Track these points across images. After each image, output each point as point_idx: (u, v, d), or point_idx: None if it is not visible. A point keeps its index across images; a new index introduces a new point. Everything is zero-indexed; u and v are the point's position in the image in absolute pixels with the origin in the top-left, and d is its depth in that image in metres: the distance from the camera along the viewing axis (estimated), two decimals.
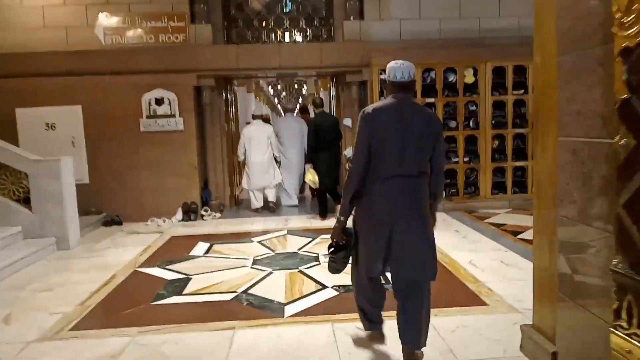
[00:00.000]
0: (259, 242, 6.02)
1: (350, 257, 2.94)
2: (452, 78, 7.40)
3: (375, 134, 2.62)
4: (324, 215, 7.30)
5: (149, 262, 5.26)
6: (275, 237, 6.27)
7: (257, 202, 8.01)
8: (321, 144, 7.15)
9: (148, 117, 7.41)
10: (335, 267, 2.94)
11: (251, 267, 4.95)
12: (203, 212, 7.56)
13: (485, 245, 5.46)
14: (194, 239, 6.24)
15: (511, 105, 7.42)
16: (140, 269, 5.02)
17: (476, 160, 7.44)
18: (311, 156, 7.29)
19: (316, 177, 7.11)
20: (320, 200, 7.34)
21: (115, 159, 7.43)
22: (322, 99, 7.74)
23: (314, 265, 4.92)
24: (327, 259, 2.99)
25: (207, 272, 4.82)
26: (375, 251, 2.71)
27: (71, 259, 5.62)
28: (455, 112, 7.41)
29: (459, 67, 7.36)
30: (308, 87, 35.71)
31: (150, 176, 7.49)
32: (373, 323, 3.13)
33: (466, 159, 7.44)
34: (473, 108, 7.43)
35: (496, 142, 7.48)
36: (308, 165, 7.35)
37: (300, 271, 4.77)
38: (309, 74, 8.60)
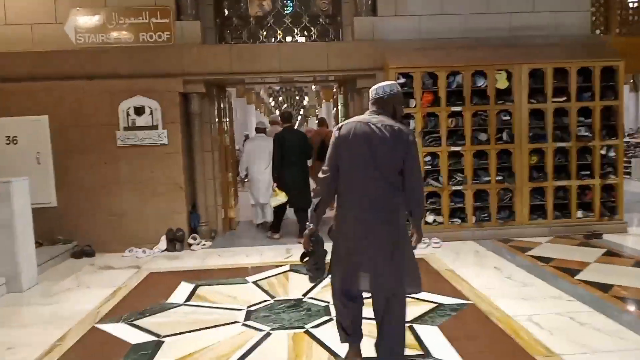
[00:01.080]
0: (254, 282, 4.85)
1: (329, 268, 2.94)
2: (481, 83, 6.29)
3: (343, 149, 2.72)
4: (276, 229, 6.96)
5: (113, 314, 4.09)
6: (275, 275, 5.11)
7: (259, 218, 7.74)
8: (287, 161, 6.56)
9: (126, 128, 6.29)
10: (310, 276, 2.98)
11: (243, 324, 3.79)
12: (190, 241, 6.41)
13: (539, 291, 4.29)
14: (176, 277, 5.09)
15: (551, 115, 6.29)
16: (100, 326, 3.85)
17: (511, 179, 6.29)
18: (277, 174, 6.63)
19: (282, 194, 6.51)
20: (277, 215, 6.94)
21: (88, 178, 6.29)
22: (290, 113, 7.27)
23: (325, 322, 3.76)
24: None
25: (186, 332, 3.66)
26: (345, 265, 2.80)
27: (19, 306, 4.47)
28: (486, 123, 6.28)
29: (489, 70, 6.24)
30: (309, 98, 34.79)
31: (129, 198, 6.35)
32: (348, 336, 2.98)
33: (499, 178, 6.30)
34: (506, 118, 6.29)
35: (534, 158, 6.33)
36: (273, 185, 6.68)
37: (307, 332, 3.60)
38: (315, 78, 7.43)
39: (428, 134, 6.28)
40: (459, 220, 6.36)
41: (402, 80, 6.20)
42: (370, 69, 6.49)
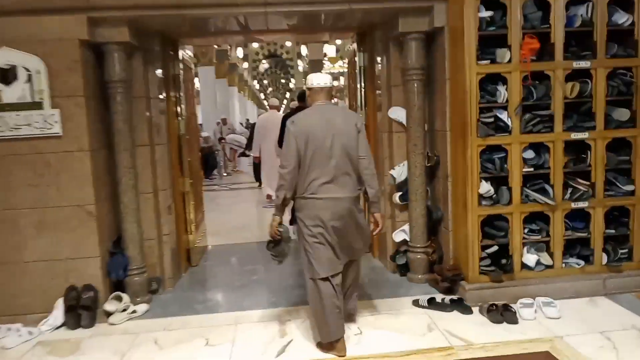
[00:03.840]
0: None
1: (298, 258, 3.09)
2: (623, 19, 3.49)
3: (303, 141, 2.80)
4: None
5: None
6: None
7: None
8: None
9: None
10: (276, 260, 3.09)
11: None
12: (109, 306, 3.54)
13: None
14: None
15: None
16: None
17: None
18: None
19: None
20: None
21: None
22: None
23: None
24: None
25: None
26: (318, 253, 2.84)
27: None
28: (630, 90, 3.50)
29: None
30: (296, 80, 31.71)
31: None
32: (332, 330, 2.86)
33: None
34: None
35: None
36: None
37: None
38: (323, 18, 4.47)
39: (530, 110, 3.47)
40: (581, 262, 3.61)
41: (485, 13, 3.37)
42: None
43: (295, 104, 7.20)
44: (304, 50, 24.98)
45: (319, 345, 2.96)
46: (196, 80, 19.21)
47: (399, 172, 4.04)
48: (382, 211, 3.47)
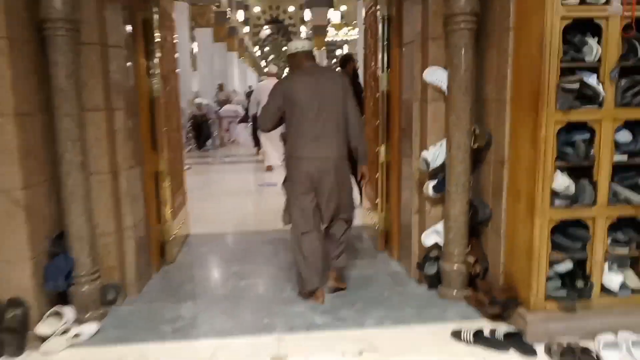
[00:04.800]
0: None
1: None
2: None
3: (289, 98, 2.89)
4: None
5: None
6: None
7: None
8: None
9: None
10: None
11: None
12: (41, 330, 2.61)
13: None
14: None
15: None
16: None
17: None
18: None
19: None
20: None
21: None
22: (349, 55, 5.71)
23: None
24: None
25: None
26: (303, 203, 2.94)
27: None
28: None
29: None
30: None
31: None
32: (313, 279, 3.00)
33: None
34: None
35: None
36: None
37: None
38: None
39: (630, 74, 2.46)
40: None
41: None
42: None
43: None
44: (307, 15, 23.64)
45: (299, 294, 3.13)
46: (195, 44, 18.02)
47: (434, 154, 3.05)
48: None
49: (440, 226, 3.13)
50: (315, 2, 21.93)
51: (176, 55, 4.32)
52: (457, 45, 2.85)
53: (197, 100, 11.23)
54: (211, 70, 17.09)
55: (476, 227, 3.05)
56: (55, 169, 2.77)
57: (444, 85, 3.00)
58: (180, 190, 4.39)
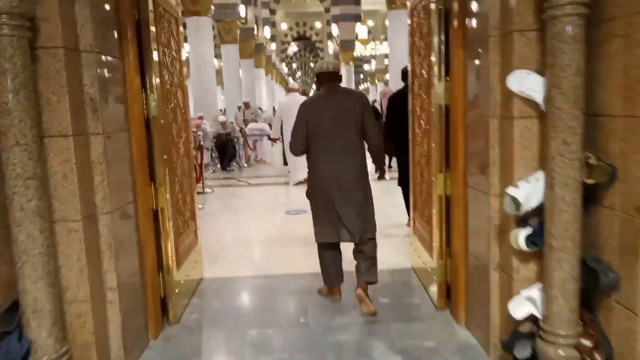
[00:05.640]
0: None
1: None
2: None
3: (312, 119, 3.06)
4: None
5: None
6: None
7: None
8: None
9: None
10: None
11: None
12: None
13: None
14: None
15: None
16: None
17: None
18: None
19: None
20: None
21: None
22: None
23: None
24: None
25: None
26: (322, 219, 3.12)
27: None
28: None
29: None
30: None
31: None
32: (332, 279, 3.28)
33: None
34: None
35: None
36: None
37: None
38: None
39: None
40: None
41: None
42: None
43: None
44: (334, 30, 23.04)
45: (319, 292, 3.39)
46: (215, 60, 17.55)
47: (528, 192, 2.15)
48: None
49: (536, 291, 2.21)
50: (342, 17, 21.32)
51: (184, 66, 3.56)
52: (561, 38, 1.96)
53: (221, 118, 10.57)
54: (238, 86, 16.55)
55: (591, 295, 2.12)
56: (4, 217, 2.00)
57: (538, 96, 2.12)
58: (191, 228, 3.59)
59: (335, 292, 3.33)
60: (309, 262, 3.81)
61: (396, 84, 12.57)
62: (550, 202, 2.06)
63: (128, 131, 2.66)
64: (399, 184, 5.18)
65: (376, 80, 38.57)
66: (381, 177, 3.63)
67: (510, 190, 2.18)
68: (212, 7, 14.24)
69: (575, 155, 2.00)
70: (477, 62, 2.55)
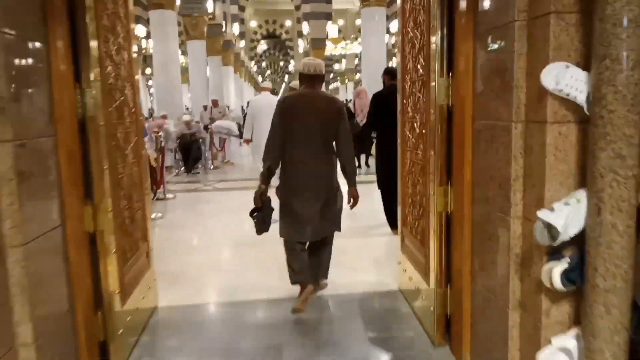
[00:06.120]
0: None
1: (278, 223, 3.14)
2: None
3: (288, 119, 3.03)
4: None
5: None
6: None
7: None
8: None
9: None
10: (257, 228, 3.09)
11: None
12: None
13: None
14: None
15: None
16: None
17: None
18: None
19: None
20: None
21: None
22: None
23: None
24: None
25: None
26: (290, 221, 3.08)
27: None
28: None
29: None
30: (295, 62, 29.08)
31: None
32: (297, 275, 3.13)
33: None
34: None
35: None
36: None
37: None
38: None
39: None
40: None
41: None
42: None
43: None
44: (305, 28, 22.51)
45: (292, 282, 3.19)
46: (182, 57, 16.72)
47: (566, 217, 1.69)
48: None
49: (572, 341, 1.76)
50: (313, 15, 20.83)
51: (135, 54, 2.96)
52: (617, 20, 1.52)
53: (186, 117, 9.88)
54: (205, 84, 15.82)
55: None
56: None
57: (580, 95, 1.66)
58: (142, 250, 3.01)
59: (305, 288, 3.09)
60: (283, 283, 3.29)
61: (369, 84, 12.19)
62: (597, 231, 1.61)
63: (53, 136, 2.07)
64: (379, 187, 4.81)
65: (346, 80, 38.28)
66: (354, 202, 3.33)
67: (545, 215, 1.71)
68: (178, 1, 13.54)
69: (631, 171, 1.55)
70: (493, 53, 2.08)
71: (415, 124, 2.91)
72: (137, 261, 2.89)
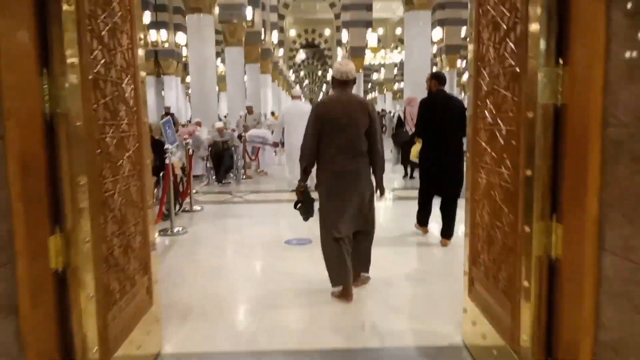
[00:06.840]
0: None
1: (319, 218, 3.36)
2: None
3: (325, 121, 3.22)
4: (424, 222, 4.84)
5: None
6: None
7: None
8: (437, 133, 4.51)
9: None
10: (303, 217, 3.41)
11: None
12: None
13: None
14: None
15: None
16: None
17: None
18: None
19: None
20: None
21: None
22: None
23: None
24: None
25: None
26: (333, 216, 3.24)
27: None
28: None
29: None
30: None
31: None
32: (339, 276, 3.24)
33: None
34: None
35: None
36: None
37: None
38: None
39: None
40: None
41: None
42: None
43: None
44: (344, 36, 21.92)
45: (332, 294, 3.26)
46: (220, 65, 16.35)
47: None
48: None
49: None
50: (353, 23, 20.21)
51: (141, 40, 2.35)
52: None
53: (218, 124, 9.37)
54: (242, 91, 15.42)
55: None
56: None
57: None
58: (139, 285, 2.37)
59: (347, 294, 3.22)
60: (315, 329, 2.59)
61: (412, 91, 11.44)
62: None
63: (0, 139, 1.46)
64: (422, 195, 4.82)
65: (384, 90, 37.43)
66: (382, 194, 3.48)
67: None
68: (217, 7, 13.19)
69: None
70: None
71: (497, 133, 2.16)
72: (132, 301, 2.25)
